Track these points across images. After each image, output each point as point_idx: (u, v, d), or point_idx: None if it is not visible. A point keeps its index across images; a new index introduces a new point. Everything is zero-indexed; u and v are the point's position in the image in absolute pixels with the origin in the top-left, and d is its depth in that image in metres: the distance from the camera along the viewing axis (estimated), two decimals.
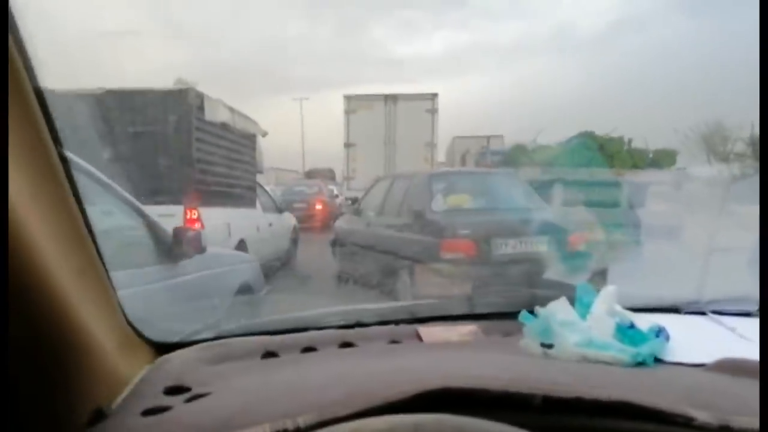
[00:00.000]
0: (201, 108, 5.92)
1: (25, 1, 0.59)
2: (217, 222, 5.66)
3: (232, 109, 6.69)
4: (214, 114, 6.18)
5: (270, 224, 7.54)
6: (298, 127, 32.53)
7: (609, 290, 1.07)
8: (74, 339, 0.72)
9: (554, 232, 5.28)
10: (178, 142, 5.74)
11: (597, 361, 0.90)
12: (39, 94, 0.60)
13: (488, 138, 16.70)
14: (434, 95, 13.32)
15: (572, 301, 1.06)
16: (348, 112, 13.30)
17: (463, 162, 15.00)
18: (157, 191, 5.03)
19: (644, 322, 1.06)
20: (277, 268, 7.13)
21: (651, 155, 10.79)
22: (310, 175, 23.05)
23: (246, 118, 7.28)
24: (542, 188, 7.29)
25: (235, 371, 0.93)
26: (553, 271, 4.70)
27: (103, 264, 0.79)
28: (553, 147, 9.27)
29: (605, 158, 9.35)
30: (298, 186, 16.55)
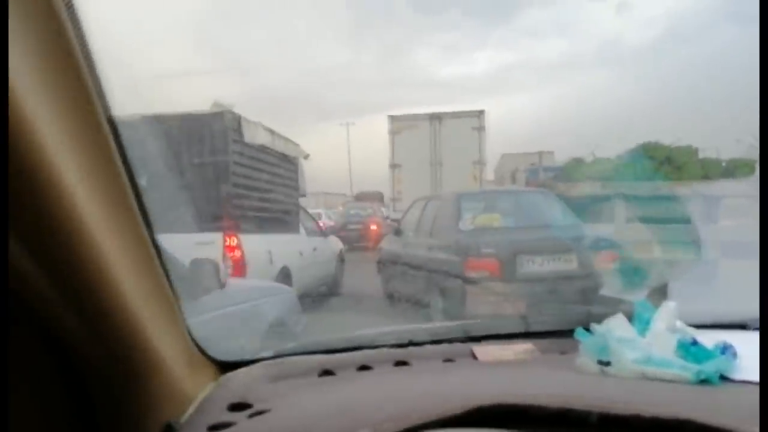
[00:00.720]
0: (238, 130, 5.74)
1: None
2: (258, 249, 5.40)
3: (272, 132, 6.51)
4: (253, 136, 5.98)
5: (314, 249, 7.26)
6: (345, 152, 33.10)
7: (669, 306, 1.04)
8: (145, 358, 0.76)
9: (583, 250, 5.28)
10: (215, 166, 5.56)
11: (657, 379, 0.87)
12: (111, 122, 0.63)
13: (540, 154, 16.34)
14: (481, 112, 13.10)
15: (630, 318, 1.04)
16: (392, 133, 13.22)
17: (513, 180, 14.77)
18: (195, 218, 4.74)
19: (709, 339, 1.02)
20: (323, 294, 7.13)
21: (724, 165, 10.08)
22: (359, 198, 23.32)
23: (287, 140, 7.11)
24: (598, 204, 7.10)
25: (294, 389, 0.95)
26: (610, 288, 4.58)
27: (171, 286, 0.83)
28: (613, 160, 8.85)
29: (673, 170, 8.75)
30: (353, 209, 17.48)
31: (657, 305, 1.07)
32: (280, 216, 6.79)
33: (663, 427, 0.64)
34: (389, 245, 7.60)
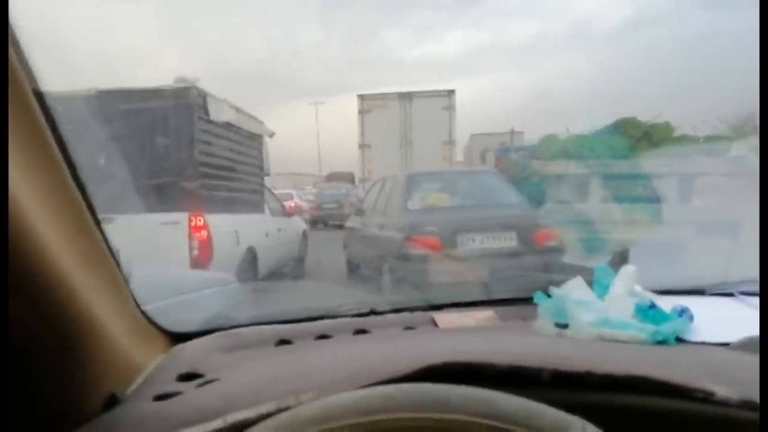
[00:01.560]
0: (204, 107, 5.41)
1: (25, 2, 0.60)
2: (224, 229, 5.25)
3: (237, 109, 6.23)
4: (219, 113, 5.66)
5: (279, 229, 7.17)
6: (314, 132, 32.85)
7: (628, 270, 1.04)
8: (84, 326, 0.72)
9: (523, 228, 5.47)
10: (180, 144, 5.25)
11: (613, 341, 0.87)
12: (38, 95, 0.61)
13: (510, 134, 16.29)
14: (451, 92, 12.99)
15: (590, 284, 1.04)
16: (362, 112, 13.02)
17: (483, 160, 14.65)
18: (159, 197, 4.68)
19: (667, 303, 1.02)
20: (287, 275, 7.17)
21: (701, 142, 9.97)
22: (330, 178, 23.37)
23: (252, 117, 6.83)
24: (572, 181, 7.11)
25: (248, 358, 0.93)
26: (572, 256, 4.70)
27: (111, 252, 0.79)
28: (588, 136, 8.57)
29: (650, 146, 8.41)
30: (329, 189, 18.00)
31: (617, 271, 1.08)
32: (245, 196, 6.62)
33: (616, 384, 0.63)
34: (352, 224, 7.83)
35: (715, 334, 0.95)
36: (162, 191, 4.84)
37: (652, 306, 0.99)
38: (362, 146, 13.09)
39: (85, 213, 0.72)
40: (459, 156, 15.22)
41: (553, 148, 8.49)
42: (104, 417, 0.74)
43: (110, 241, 0.79)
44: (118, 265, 0.82)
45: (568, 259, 5.10)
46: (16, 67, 0.56)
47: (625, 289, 1.01)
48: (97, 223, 0.75)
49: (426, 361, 0.62)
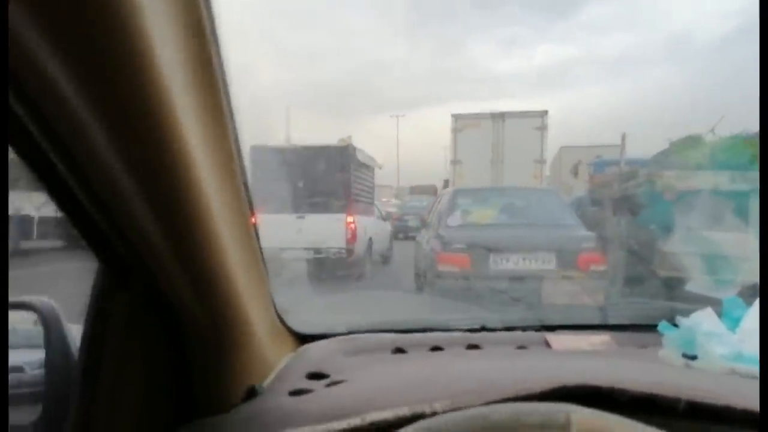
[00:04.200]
0: (354, 155, 9.81)
1: None
2: (360, 225, 9.39)
3: (366, 154, 10.70)
4: (360, 158, 10.09)
5: (382, 229, 11.17)
6: (394, 144, 33.07)
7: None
8: (239, 325, 0.81)
9: (565, 251, 5.15)
10: (343, 177, 9.48)
11: (747, 376, 0.83)
12: (228, 102, 0.67)
13: (604, 147, 15.00)
14: (544, 112, 13.04)
15: (718, 315, 0.99)
16: (455, 131, 13.28)
17: (575, 174, 13.98)
18: (331, 206, 9.19)
19: None
20: (381, 262, 10.65)
21: None
22: (414, 191, 23.78)
23: (371, 157, 11.23)
24: (720, 201, 5.41)
25: (368, 363, 0.98)
26: (697, 285, 4.29)
27: (263, 262, 0.88)
28: (743, 139, 6.14)
29: None
30: (412, 201, 19.36)
31: (749, 304, 1.02)
32: (367, 206, 10.73)
33: (754, 421, 0.61)
34: (419, 236, 7.96)
35: (759, 369, 0.88)
36: (333, 203, 9.25)
37: None
38: (454, 162, 13.37)
39: (248, 217, 0.79)
40: (547, 171, 14.59)
41: (696, 155, 6.37)
42: (245, 407, 0.82)
43: (262, 246, 0.87)
44: (266, 268, 0.90)
45: (692, 287, 4.63)
46: (216, 73, 0.61)
47: (760, 323, 0.95)
48: (255, 228, 0.82)
49: (559, 381, 0.63)
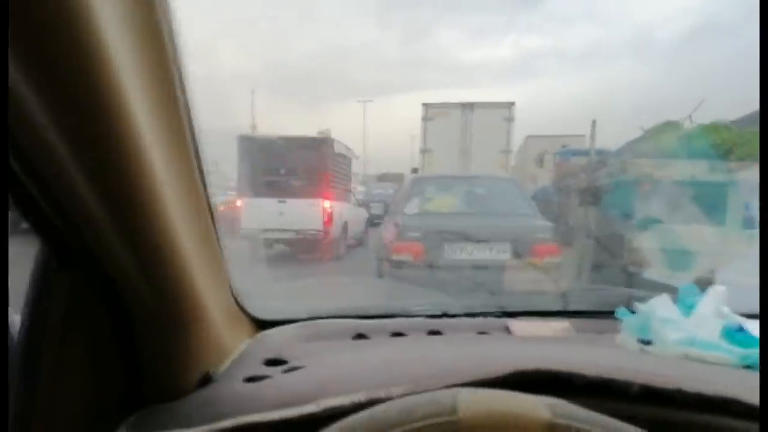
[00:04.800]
0: (332, 146, 10.49)
1: None
2: (335, 210, 10.01)
3: (344, 145, 11.51)
4: (338, 149, 10.82)
5: (356, 214, 11.60)
6: (361, 130, 32.86)
7: (717, 290, 1.00)
8: (192, 308, 0.78)
9: (520, 240, 5.13)
10: (321, 166, 10.09)
11: (700, 361, 0.85)
12: (183, 89, 0.65)
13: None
14: (511, 104, 13.35)
15: (674, 302, 1.01)
16: (426, 119, 13.49)
17: (541, 163, 14.14)
18: (310, 192, 9.72)
19: (756, 327, 0.98)
20: (356, 246, 11.23)
21: None
22: (381, 178, 23.82)
23: (348, 148, 11.99)
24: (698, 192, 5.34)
25: (328, 349, 0.97)
26: (654, 272, 4.40)
27: (218, 236, 0.85)
28: (722, 126, 6.03)
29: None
30: (377, 189, 19.11)
31: (703, 290, 1.04)
32: (344, 192, 11.25)
33: (706, 404, 0.62)
34: (382, 223, 7.91)
35: (759, 368, 0.90)
36: (311, 189, 9.80)
37: (741, 329, 0.95)
38: (424, 151, 13.58)
39: (203, 197, 0.76)
40: (513, 161, 14.73)
41: (672, 142, 6.13)
42: (200, 393, 0.80)
43: (218, 226, 0.84)
44: (222, 250, 0.87)
45: (649, 274, 4.70)
46: (169, 58, 0.60)
47: (713, 309, 0.97)
48: (211, 208, 0.79)
49: (516, 366, 0.63)
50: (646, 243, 5.24)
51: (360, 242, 11.77)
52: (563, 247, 5.75)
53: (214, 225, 0.82)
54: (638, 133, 7.33)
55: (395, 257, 5.16)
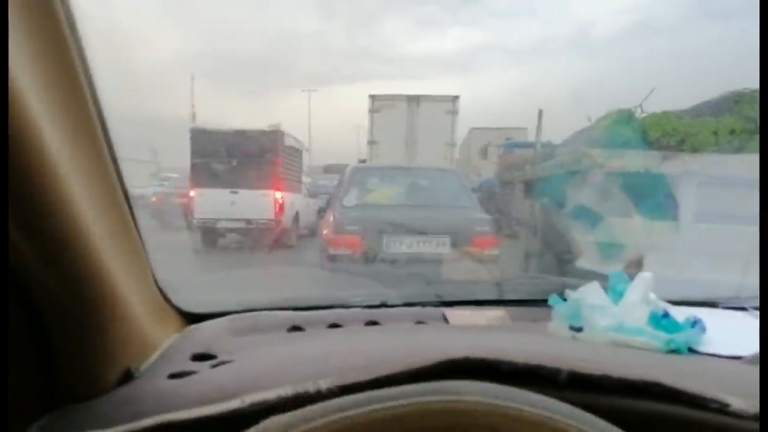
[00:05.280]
0: (282, 139, 10.74)
1: None
2: (288, 200, 10.41)
3: (295, 138, 11.93)
4: (288, 142, 11.14)
5: (308, 205, 11.79)
6: (305, 120, 32.35)
7: (644, 277, 1.04)
8: (107, 299, 0.73)
9: (459, 233, 5.12)
10: (272, 158, 10.39)
11: (627, 346, 0.87)
12: (87, 75, 0.63)
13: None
14: (456, 97, 13.62)
15: (605, 289, 1.04)
16: (372, 111, 13.60)
17: (484, 156, 14.34)
18: (262, 183, 10.01)
19: (680, 313, 1.02)
20: (308, 235, 11.08)
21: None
22: (328, 170, 23.57)
23: (298, 140, 12.48)
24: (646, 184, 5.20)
25: (260, 342, 0.94)
26: (586, 260, 4.54)
27: (137, 228, 0.80)
28: (681, 116, 5.79)
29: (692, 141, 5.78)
30: (322, 180, 18.22)
31: (632, 277, 1.07)
32: (295, 184, 11.60)
33: (631, 389, 0.63)
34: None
35: (726, 346, 0.95)
36: (263, 180, 10.09)
37: (666, 315, 0.99)
38: (371, 142, 13.70)
39: (117, 188, 0.72)
40: (456, 153, 14.91)
41: (624, 130, 5.87)
42: (119, 391, 0.76)
43: (137, 217, 0.79)
44: (142, 241, 0.83)
45: (582, 263, 4.82)
46: (69, 45, 0.57)
47: (640, 296, 1.01)
48: (127, 199, 0.75)
49: (446, 355, 0.62)
50: (581, 234, 5.36)
51: (312, 232, 11.89)
52: (505, 238, 5.80)
53: (133, 217, 0.78)
54: (585, 124, 7.12)
55: (333, 251, 5.03)
